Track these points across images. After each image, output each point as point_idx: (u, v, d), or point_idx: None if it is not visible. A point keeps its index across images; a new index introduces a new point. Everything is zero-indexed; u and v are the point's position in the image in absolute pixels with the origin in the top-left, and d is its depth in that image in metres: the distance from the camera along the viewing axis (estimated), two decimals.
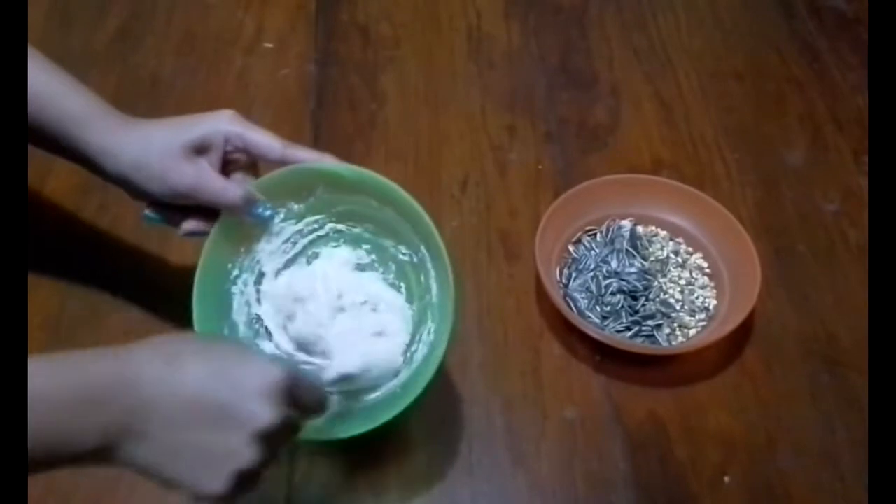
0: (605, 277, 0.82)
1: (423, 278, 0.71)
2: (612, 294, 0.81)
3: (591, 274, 0.82)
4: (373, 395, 0.70)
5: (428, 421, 0.74)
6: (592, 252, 0.84)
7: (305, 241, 0.74)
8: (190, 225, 0.69)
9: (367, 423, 0.66)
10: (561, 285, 0.82)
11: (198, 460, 0.52)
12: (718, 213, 0.84)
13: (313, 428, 0.66)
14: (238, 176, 0.69)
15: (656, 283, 0.82)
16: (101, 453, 0.51)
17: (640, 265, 0.83)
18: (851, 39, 1.09)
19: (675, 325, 0.80)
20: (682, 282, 0.83)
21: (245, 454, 0.53)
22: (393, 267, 0.74)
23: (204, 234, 0.69)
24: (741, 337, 0.79)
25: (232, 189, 0.67)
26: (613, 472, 0.72)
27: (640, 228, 0.86)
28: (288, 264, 0.74)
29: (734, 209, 0.86)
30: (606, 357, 0.78)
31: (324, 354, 0.71)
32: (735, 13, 1.13)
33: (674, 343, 0.79)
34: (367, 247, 0.75)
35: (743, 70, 1.06)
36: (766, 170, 0.95)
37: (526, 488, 0.71)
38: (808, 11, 1.13)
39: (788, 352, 0.80)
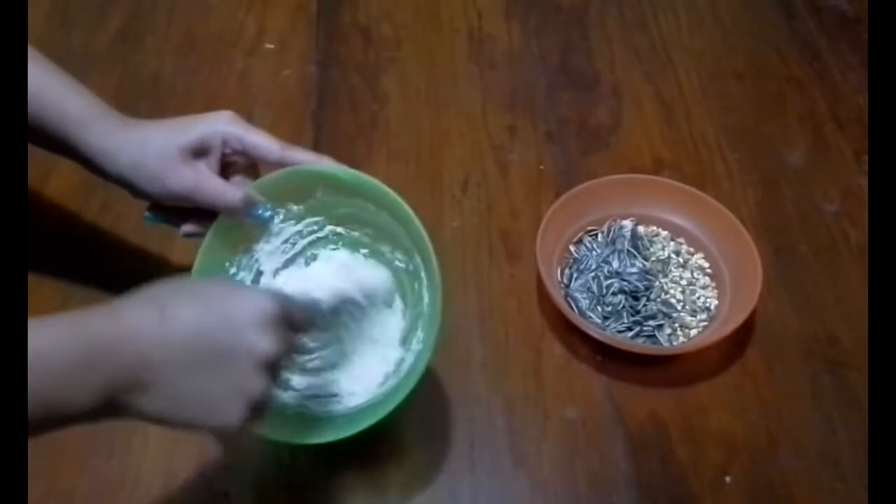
0: (607, 277, 0.82)
1: (416, 286, 0.71)
2: (614, 294, 0.81)
3: (593, 274, 0.82)
4: (357, 402, 0.70)
5: (429, 421, 0.74)
6: (593, 252, 0.84)
7: (305, 241, 0.74)
8: (189, 227, 0.70)
9: (349, 429, 0.66)
10: (562, 285, 0.83)
11: (208, 399, 0.53)
12: (719, 213, 0.85)
13: (297, 432, 0.67)
14: (238, 178, 0.69)
15: (657, 284, 0.82)
16: (109, 409, 0.51)
17: (641, 265, 0.83)
18: (852, 39, 1.09)
19: (677, 325, 0.80)
20: (684, 282, 0.83)
21: (254, 385, 0.54)
22: (389, 272, 0.74)
23: (204, 235, 0.69)
24: (742, 337, 0.79)
25: (230, 191, 0.67)
26: (615, 473, 0.72)
27: (641, 228, 0.86)
28: (286, 264, 0.75)
29: (735, 209, 0.86)
30: (608, 357, 0.78)
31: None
32: (735, 13, 1.13)
33: (675, 343, 0.79)
34: (364, 251, 0.75)
35: (743, 70, 1.06)
36: (767, 170, 0.95)
37: (527, 488, 0.71)
38: (808, 11, 1.13)
39: (789, 352, 0.80)
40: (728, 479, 0.72)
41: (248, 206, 0.68)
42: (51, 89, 0.67)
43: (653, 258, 0.84)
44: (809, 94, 1.03)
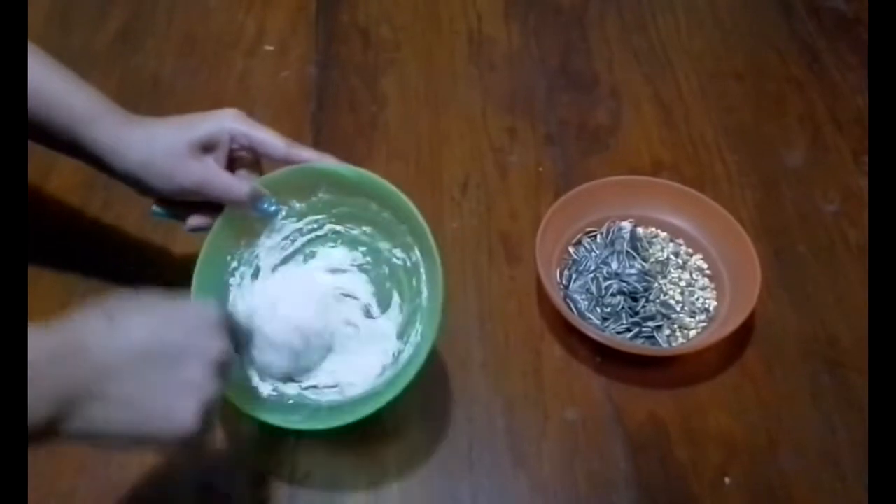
0: (606, 279, 0.82)
1: (415, 282, 0.72)
2: (613, 295, 0.81)
3: (592, 275, 0.82)
4: (356, 392, 0.70)
5: (429, 421, 0.74)
6: (593, 253, 0.84)
7: (304, 239, 0.76)
8: (196, 220, 0.71)
9: (345, 418, 0.66)
10: (561, 287, 0.83)
11: (160, 401, 0.53)
12: (718, 214, 0.85)
13: (294, 420, 0.68)
14: (243, 172, 0.71)
15: (656, 285, 0.82)
16: (56, 425, 0.50)
17: (640, 266, 0.83)
18: (851, 40, 1.09)
19: (676, 326, 0.80)
20: (683, 283, 0.83)
21: (208, 385, 0.54)
22: (386, 270, 0.75)
23: (209, 229, 0.71)
24: (741, 338, 0.79)
25: (238, 185, 0.69)
26: (614, 473, 0.72)
27: (640, 230, 0.86)
28: (285, 261, 0.76)
29: (734, 210, 0.86)
30: (607, 358, 0.78)
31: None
32: (735, 14, 1.13)
33: (674, 344, 0.79)
34: (363, 249, 0.76)
35: (743, 71, 1.06)
36: (766, 170, 0.95)
37: (527, 489, 0.71)
38: (807, 12, 1.13)
39: (789, 352, 0.80)
40: (727, 479, 0.72)
41: (255, 199, 0.70)
42: (57, 86, 0.68)
43: (652, 259, 0.84)
44: (809, 94, 1.03)
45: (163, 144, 0.67)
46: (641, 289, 0.81)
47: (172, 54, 1.04)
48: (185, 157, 0.67)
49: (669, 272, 0.84)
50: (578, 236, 0.86)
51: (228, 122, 0.69)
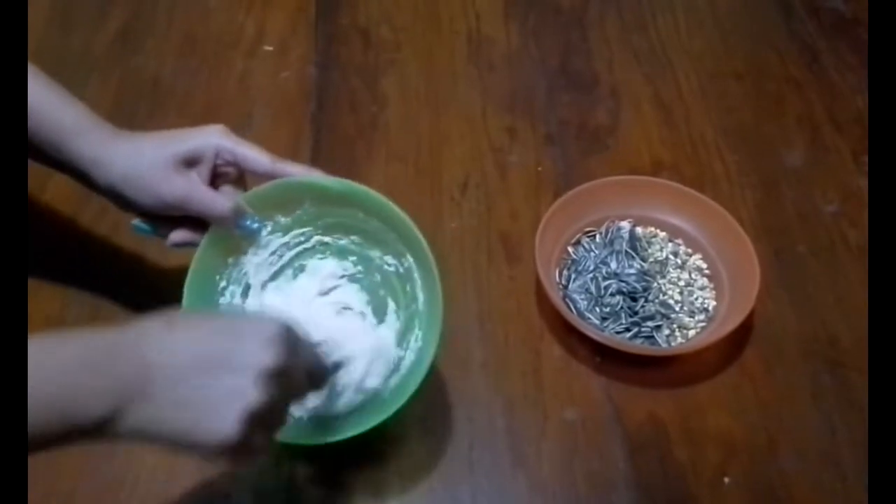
0: (605, 279, 0.82)
1: (409, 287, 0.72)
2: (612, 295, 0.81)
3: (591, 275, 0.82)
4: (361, 401, 0.70)
5: (429, 422, 0.74)
6: (592, 253, 0.84)
7: (292, 253, 0.75)
8: (178, 236, 0.70)
9: (355, 428, 0.66)
10: (561, 287, 0.83)
11: (205, 405, 0.52)
12: (718, 214, 0.85)
13: (300, 432, 0.67)
14: (227, 188, 0.70)
15: (655, 285, 0.82)
16: (109, 423, 0.50)
17: (639, 266, 0.83)
18: (850, 40, 1.09)
19: (675, 325, 0.80)
20: (682, 283, 0.83)
21: (252, 393, 0.53)
22: (378, 278, 0.75)
23: (191, 244, 0.70)
24: (741, 338, 0.80)
25: (221, 201, 0.68)
26: (614, 473, 0.72)
27: (639, 230, 0.86)
28: (274, 276, 0.75)
29: (734, 210, 0.86)
30: (606, 358, 0.78)
31: None
32: (734, 14, 1.13)
33: (673, 344, 0.79)
34: (353, 258, 0.76)
35: (742, 71, 1.06)
36: (766, 171, 0.95)
37: (526, 489, 0.71)
38: (807, 12, 1.13)
39: (789, 352, 0.80)
40: (727, 479, 0.72)
41: (237, 216, 0.69)
42: (44, 100, 0.67)
43: (651, 259, 0.84)
44: (808, 94, 1.03)
45: (147, 158, 0.67)
46: (641, 288, 0.81)
47: (172, 55, 1.04)
48: (169, 172, 0.67)
49: (668, 272, 0.84)
50: (578, 236, 0.86)
51: (214, 138, 0.68)
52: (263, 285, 0.75)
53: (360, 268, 0.76)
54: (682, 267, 0.84)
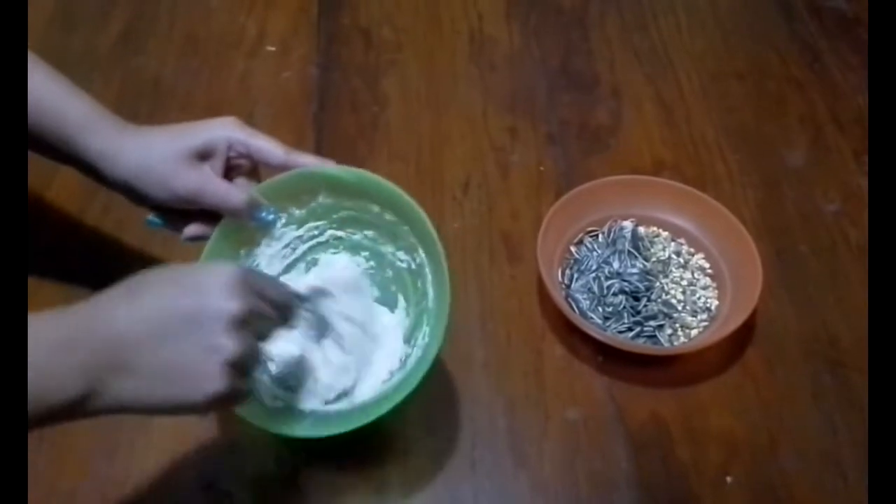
0: (607, 278, 0.82)
1: (420, 283, 0.72)
2: (614, 295, 0.81)
3: (593, 275, 0.83)
4: (365, 396, 0.70)
5: (430, 421, 0.74)
6: (594, 253, 0.84)
7: (305, 246, 0.75)
8: (192, 230, 0.70)
9: (358, 421, 0.66)
10: (563, 286, 0.83)
11: (186, 365, 0.53)
12: (720, 213, 0.85)
13: (306, 426, 0.67)
14: (241, 181, 0.70)
15: (658, 284, 0.82)
16: (87, 400, 0.51)
17: (641, 266, 0.83)
18: (851, 40, 1.09)
19: (677, 325, 0.80)
20: (684, 282, 0.83)
21: (228, 344, 0.54)
22: (390, 273, 0.75)
23: (206, 238, 0.70)
24: (743, 337, 0.80)
25: (235, 193, 0.68)
26: (616, 473, 0.72)
27: (641, 229, 0.87)
28: (287, 269, 0.75)
29: (735, 210, 0.86)
30: (608, 358, 0.78)
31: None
32: (735, 14, 1.13)
33: (675, 343, 0.79)
34: (365, 253, 0.76)
35: (744, 71, 1.06)
36: (767, 170, 0.95)
37: (528, 488, 0.71)
38: (808, 12, 1.13)
39: (790, 352, 0.80)
40: (729, 478, 0.72)
41: (252, 208, 0.69)
42: (52, 94, 0.67)
43: (653, 259, 0.85)
44: (809, 94, 1.03)
45: (159, 151, 0.67)
46: (643, 288, 0.81)
47: (174, 55, 1.04)
48: (182, 165, 0.66)
49: (671, 271, 0.84)
50: (580, 236, 0.86)
51: (226, 131, 0.68)
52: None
53: (372, 263, 0.76)
54: (684, 266, 0.84)
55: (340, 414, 0.69)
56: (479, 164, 0.94)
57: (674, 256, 0.85)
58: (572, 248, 0.85)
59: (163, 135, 0.68)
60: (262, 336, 0.59)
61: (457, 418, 0.74)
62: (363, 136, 0.96)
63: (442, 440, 0.73)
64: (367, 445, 0.71)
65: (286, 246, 0.74)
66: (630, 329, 0.79)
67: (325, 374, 0.71)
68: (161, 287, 0.55)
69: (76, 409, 0.51)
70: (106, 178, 0.68)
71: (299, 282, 0.73)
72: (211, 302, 0.54)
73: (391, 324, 0.74)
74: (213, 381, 0.53)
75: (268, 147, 0.69)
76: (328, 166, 0.70)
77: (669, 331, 0.80)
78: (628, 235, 0.85)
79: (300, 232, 0.74)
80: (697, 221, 0.86)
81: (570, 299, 0.82)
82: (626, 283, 0.82)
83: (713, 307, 0.82)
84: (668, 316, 0.80)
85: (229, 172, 0.70)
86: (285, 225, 0.73)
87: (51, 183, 0.88)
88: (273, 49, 1.05)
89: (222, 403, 0.55)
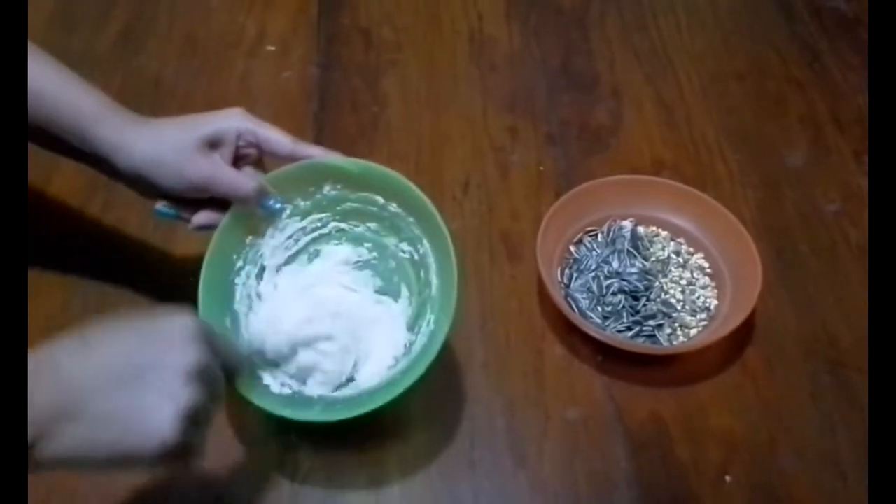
0: (607, 278, 0.82)
1: (423, 274, 0.73)
2: (614, 294, 0.81)
3: (593, 274, 0.83)
4: (371, 383, 0.71)
5: (430, 421, 0.74)
6: (594, 252, 0.84)
7: (308, 238, 0.76)
8: (201, 218, 0.71)
9: (363, 407, 0.66)
10: (562, 286, 0.83)
11: (139, 412, 0.52)
12: (719, 213, 0.85)
13: (315, 410, 0.68)
14: (249, 169, 0.71)
15: (657, 284, 0.82)
16: (35, 448, 0.49)
17: (641, 265, 0.83)
18: (852, 40, 1.09)
19: (677, 325, 0.80)
20: (683, 282, 0.83)
21: (184, 393, 0.53)
22: (393, 264, 0.76)
23: (214, 227, 0.71)
24: (742, 337, 0.80)
25: (245, 181, 0.69)
26: (615, 472, 0.72)
27: (640, 229, 0.87)
28: (289, 261, 0.76)
29: (735, 210, 0.86)
30: (608, 357, 0.78)
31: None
32: (736, 14, 1.13)
33: (675, 343, 0.79)
34: (368, 245, 0.77)
35: (744, 71, 1.06)
36: (767, 170, 0.95)
37: (528, 488, 0.71)
38: (808, 12, 1.13)
39: (789, 352, 0.80)
40: (728, 478, 0.72)
41: (261, 196, 0.71)
42: (62, 87, 0.68)
43: (653, 258, 0.85)
44: (809, 94, 1.03)
45: (172, 141, 0.68)
46: (642, 288, 0.81)
47: (174, 55, 1.04)
48: (194, 154, 0.67)
49: (670, 271, 0.84)
50: (579, 235, 0.86)
51: (235, 121, 0.70)
52: (278, 268, 0.76)
53: (374, 254, 0.77)
54: (683, 266, 0.84)
55: (347, 400, 0.69)
56: (479, 164, 0.94)
57: (673, 256, 0.85)
58: (572, 248, 0.85)
59: (174, 125, 0.69)
60: (213, 393, 0.58)
61: (456, 418, 0.74)
62: (363, 135, 0.96)
63: (441, 440, 0.73)
64: (367, 445, 0.71)
65: (290, 237, 0.76)
66: (629, 329, 0.79)
67: (328, 363, 0.71)
68: (117, 337, 0.55)
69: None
70: (119, 169, 0.69)
71: (287, 325, 0.72)
72: (170, 354, 0.54)
73: (394, 312, 0.75)
74: (166, 429, 0.52)
75: (275, 137, 0.71)
76: (334, 157, 0.72)
77: (669, 330, 0.80)
78: (627, 235, 0.85)
79: (304, 223, 0.75)
80: (697, 221, 0.86)
81: (569, 299, 0.82)
82: (625, 283, 0.82)
83: (712, 307, 0.82)
84: (667, 315, 0.80)
85: (237, 162, 0.71)
86: (290, 216, 0.74)
87: (51, 178, 0.88)
88: (273, 49, 1.05)
89: (174, 456, 0.53)
